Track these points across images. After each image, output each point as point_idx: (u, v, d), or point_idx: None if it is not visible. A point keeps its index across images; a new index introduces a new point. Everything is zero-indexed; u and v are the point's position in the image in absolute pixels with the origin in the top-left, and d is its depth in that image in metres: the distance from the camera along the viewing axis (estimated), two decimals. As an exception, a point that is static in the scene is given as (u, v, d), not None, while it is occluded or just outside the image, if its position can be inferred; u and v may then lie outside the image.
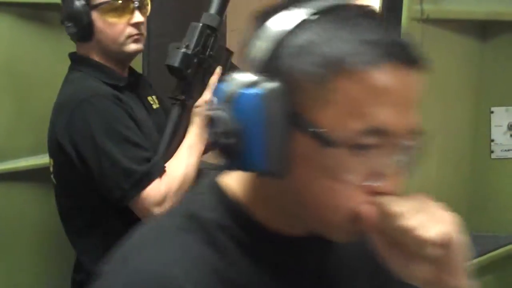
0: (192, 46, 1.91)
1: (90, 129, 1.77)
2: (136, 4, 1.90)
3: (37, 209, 2.39)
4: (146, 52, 2.92)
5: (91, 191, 1.83)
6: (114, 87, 1.90)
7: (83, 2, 1.86)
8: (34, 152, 2.35)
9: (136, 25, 1.90)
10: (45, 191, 2.27)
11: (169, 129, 1.91)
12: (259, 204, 0.83)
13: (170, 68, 1.91)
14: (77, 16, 1.86)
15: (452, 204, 2.31)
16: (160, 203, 1.77)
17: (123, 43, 1.90)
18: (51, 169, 1.95)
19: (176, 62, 1.89)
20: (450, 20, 2.08)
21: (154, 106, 2.03)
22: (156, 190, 1.77)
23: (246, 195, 0.83)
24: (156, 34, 2.97)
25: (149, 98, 2.04)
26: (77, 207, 1.91)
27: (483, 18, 2.20)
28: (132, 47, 1.91)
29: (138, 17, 1.90)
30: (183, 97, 1.92)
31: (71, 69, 1.99)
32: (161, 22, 3.01)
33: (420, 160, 2.13)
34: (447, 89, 2.17)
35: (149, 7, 1.96)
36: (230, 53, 1.99)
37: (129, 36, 1.90)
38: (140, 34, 1.91)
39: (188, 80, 1.91)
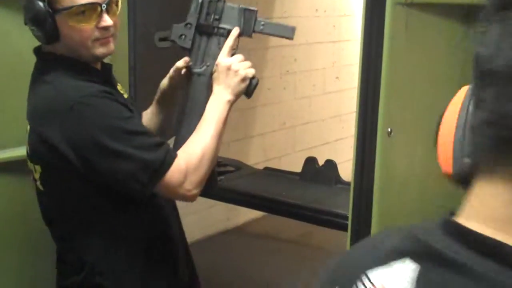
0: (188, 16, 1.92)
1: (91, 133, 1.71)
2: (104, 7, 1.79)
3: (24, 199, 2.38)
4: (132, 42, 2.92)
5: (93, 192, 1.80)
6: (94, 82, 1.83)
7: (46, 7, 1.75)
8: (20, 143, 2.34)
9: (104, 28, 1.81)
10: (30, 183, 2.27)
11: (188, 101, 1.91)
12: None
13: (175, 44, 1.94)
14: (40, 20, 1.76)
15: (441, 185, 2.33)
16: (182, 181, 1.75)
17: (91, 47, 1.81)
18: (37, 176, 1.87)
19: (170, 36, 1.91)
20: (434, 4, 2.08)
21: (125, 96, 2.01)
22: (176, 170, 1.74)
23: None
24: (141, 23, 2.97)
25: (119, 87, 2.01)
26: (72, 209, 1.86)
27: (467, 2, 2.21)
28: (101, 50, 1.83)
29: (106, 20, 1.80)
30: (180, 65, 1.93)
31: (42, 67, 1.88)
32: (146, 12, 3.00)
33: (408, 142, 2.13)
34: (433, 73, 2.17)
35: (119, 5, 1.86)
36: (252, 12, 1.99)
37: (96, 40, 1.81)
38: (108, 36, 1.82)
39: (189, 50, 1.92)
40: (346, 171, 3.17)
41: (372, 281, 0.69)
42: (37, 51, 1.90)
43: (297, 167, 3.51)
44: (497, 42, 0.65)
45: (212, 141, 1.81)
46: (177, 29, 1.92)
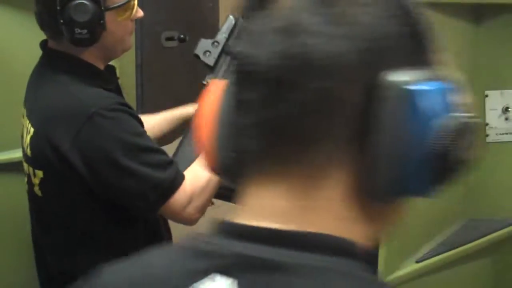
0: (218, 34, 1.89)
1: (106, 146, 1.66)
2: None
3: (24, 201, 2.37)
4: (139, 41, 2.92)
5: (94, 204, 1.76)
6: (109, 90, 1.79)
7: (100, 7, 1.68)
8: (18, 145, 2.33)
9: (134, 20, 1.82)
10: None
11: None
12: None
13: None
14: (93, 22, 1.68)
15: (448, 188, 2.31)
16: (186, 205, 1.72)
17: (127, 41, 1.81)
18: (36, 181, 1.79)
19: (195, 49, 1.89)
20: (443, 4, 2.07)
21: None
22: (182, 193, 1.71)
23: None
24: (148, 23, 2.96)
25: None
26: (70, 218, 1.80)
27: (476, 1, 2.20)
28: (130, 42, 1.84)
29: (140, 11, 1.80)
30: (205, 82, 1.89)
31: (51, 65, 1.80)
32: (153, 11, 3.00)
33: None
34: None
35: None
36: None
37: (131, 32, 1.82)
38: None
39: (211, 68, 1.88)
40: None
41: None
42: (43, 45, 1.82)
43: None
44: (256, 40, 0.64)
45: None
46: (204, 44, 1.88)
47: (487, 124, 2.34)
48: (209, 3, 3.39)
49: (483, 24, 2.25)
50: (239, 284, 0.63)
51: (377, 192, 0.65)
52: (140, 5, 2.92)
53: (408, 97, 0.62)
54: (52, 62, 1.80)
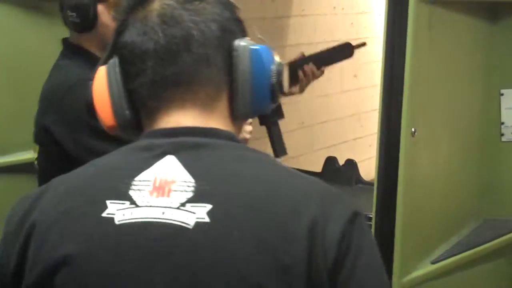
0: None
1: (83, 115, 1.73)
2: None
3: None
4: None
5: None
6: None
7: None
8: (24, 147, 2.34)
9: None
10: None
11: None
12: None
13: None
14: (82, 7, 1.85)
15: (463, 188, 2.30)
16: None
17: None
18: (35, 155, 1.96)
19: None
20: (458, 2, 2.05)
21: None
22: None
23: None
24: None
25: None
26: None
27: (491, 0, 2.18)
28: None
29: None
30: None
31: (61, 54, 1.98)
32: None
33: (432, 142, 2.09)
34: (456, 72, 2.14)
35: None
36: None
37: None
38: None
39: None
40: (365, 169, 3.14)
41: (146, 179, 0.96)
42: (65, 41, 1.98)
43: (316, 166, 3.46)
44: (143, 30, 1.01)
45: None
46: None
47: (502, 123, 2.32)
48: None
49: (498, 22, 2.23)
50: (178, 158, 0.97)
51: (242, 111, 1.05)
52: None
53: (252, 52, 1.04)
54: (62, 51, 1.98)
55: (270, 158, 1.05)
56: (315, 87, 5.16)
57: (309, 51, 5.17)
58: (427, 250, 2.09)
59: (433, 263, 2.07)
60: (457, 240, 2.20)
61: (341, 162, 3.15)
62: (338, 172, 3.04)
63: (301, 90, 2.31)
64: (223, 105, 1.04)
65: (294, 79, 2.26)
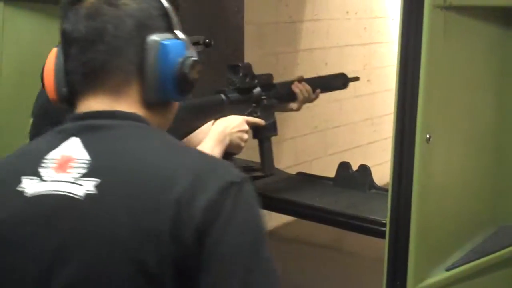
0: None
1: None
2: None
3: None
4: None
5: None
6: None
7: None
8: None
9: None
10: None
11: None
12: None
13: None
14: None
15: (478, 195, 2.28)
16: None
17: None
18: (29, 128, 1.98)
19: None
20: (472, 7, 2.04)
21: None
22: None
23: None
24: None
25: None
26: None
27: (506, 5, 2.16)
28: None
29: None
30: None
31: None
32: (179, 16, 2.99)
33: (447, 148, 2.07)
34: (471, 77, 2.13)
35: None
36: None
37: None
38: None
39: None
40: (378, 174, 3.12)
41: (53, 158, 1.13)
42: None
43: (329, 171, 3.46)
44: (74, 21, 1.16)
45: None
46: None
47: (517, 129, 2.30)
48: (234, 7, 3.38)
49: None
50: (80, 138, 1.13)
51: (151, 98, 1.19)
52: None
53: (160, 46, 1.16)
54: None
55: (168, 137, 1.18)
56: (329, 92, 5.15)
57: (322, 55, 5.19)
58: (441, 256, 2.08)
59: (447, 270, 2.06)
60: (472, 247, 2.18)
61: (354, 167, 3.14)
62: (352, 178, 3.02)
63: (298, 107, 2.51)
64: (133, 91, 1.18)
65: (292, 96, 2.45)
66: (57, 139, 1.15)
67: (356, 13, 5.18)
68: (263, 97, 2.32)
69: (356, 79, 2.82)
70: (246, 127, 2.12)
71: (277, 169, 3.46)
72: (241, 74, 2.24)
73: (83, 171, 1.10)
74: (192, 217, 1.04)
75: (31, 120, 1.98)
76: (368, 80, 5.39)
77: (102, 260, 1.07)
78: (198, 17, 3.17)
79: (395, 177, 1.94)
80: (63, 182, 1.10)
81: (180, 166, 1.10)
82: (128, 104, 1.17)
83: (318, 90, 2.53)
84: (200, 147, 1.96)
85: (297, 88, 2.47)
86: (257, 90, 2.31)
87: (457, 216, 2.14)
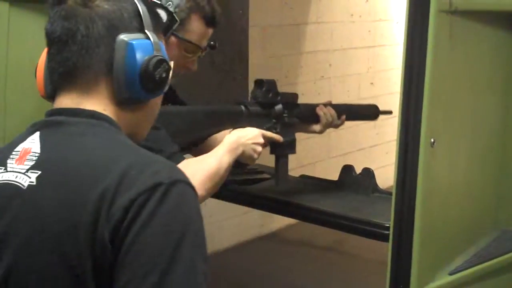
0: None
1: None
2: None
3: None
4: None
5: None
6: None
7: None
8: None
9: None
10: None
11: None
12: None
13: None
14: None
15: (481, 199, 2.28)
16: None
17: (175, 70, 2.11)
18: None
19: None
20: (479, 12, 2.04)
21: None
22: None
23: None
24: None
25: None
26: None
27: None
28: (177, 71, 2.03)
29: (194, 66, 2.17)
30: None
31: None
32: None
33: (451, 152, 2.06)
34: (476, 82, 2.13)
35: None
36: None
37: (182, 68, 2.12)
38: None
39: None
40: (381, 177, 3.12)
41: (18, 150, 1.21)
42: None
43: (332, 173, 3.45)
44: (53, 22, 1.22)
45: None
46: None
47: (522, 134, 2.30)
48: (239, 10, 3.39)
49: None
50: (40, 133, 1.21)
51: (119, 96, 1.24)
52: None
53: (126, 45, 1.22)
54: None
55: (120, 137, 1.23)
56: (332, 95, 5.18)
57: (326, 57, 5.19)
58: (444, 261, 2.08)
59: (451, 274, 2.06)
60: (475, 251, 2.19)
61: (357, 169, 3.14)
62: (355, 181, 3.02)
63: (321, 131, 2.53)
64: (103, 89, 1.23)
65: (316, 118, 2.46)
66: (28, 133, 1.23)
67: (360, 16, 5.18)
68: (284, 115, 2.33)
69: (389, 112, 2.75)
70: (262, 140, 2.12)
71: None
72: (264, 89, 2.25)
73: (32, 163, 1.18)
74: (112, 215, 1.09)
75: None
76: (371, 83, 5.40)
77: (32, 249, 1.13)
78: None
79: (399, 181, 1.94)
80: (17, 173, 1.19)
81: (113, 163, 1.14)
82: (97, 101, 1.23)
83: (344, 117, 2.52)
84: (210, 153, 1.97)
85: (321, 111, 2.46)
86: (279, 107, 2.32)
87: (460, 220, 2.14)
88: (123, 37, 1.22)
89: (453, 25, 1.93)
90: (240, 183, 3.05)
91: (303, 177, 3.33)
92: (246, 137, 2.07)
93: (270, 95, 2.28)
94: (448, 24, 1.91)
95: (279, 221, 4.69)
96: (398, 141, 1.93)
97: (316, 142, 4.96)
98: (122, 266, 1.08)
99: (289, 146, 2.37)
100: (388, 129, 5.41)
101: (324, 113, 2.46)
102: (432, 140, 1.90)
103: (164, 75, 1.26)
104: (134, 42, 1.22)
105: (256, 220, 4.60)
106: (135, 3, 1.26)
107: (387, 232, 2.31)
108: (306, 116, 2.46)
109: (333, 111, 2.48)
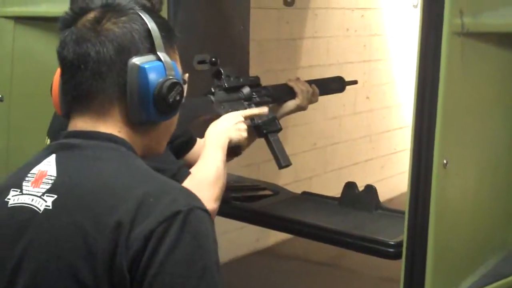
0: None
1: None
2: None
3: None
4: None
5: None
6: None
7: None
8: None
9: None
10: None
11: None
12: None
13: None
14: None
15: (491, 219, 2.28)
16: None
17: None
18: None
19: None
20: (490, 34, 2.05)
21: None
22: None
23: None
24: (181, 46, 2.95)
25: None
26: None
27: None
28: None
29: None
30: None
31: None
32: (186, 34, 2.99)
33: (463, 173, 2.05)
34: (486, 102, 2.14)
35: None
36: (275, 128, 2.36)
37: None
38: None
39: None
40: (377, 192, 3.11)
41: (34, 172, 1.21)
42: None
43: (328, 188, 3.46)
44: (64, 46, 1.23)
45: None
46: None
47: (529, 153, 2.31)
48: (240, 26, 3.38)
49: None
50: (56, 156, 1.22)
51: (134, 119, 1.24)
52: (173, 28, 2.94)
53: (139, 69, 1.21)
54: None
55: (136, 162, 1.23)
56: (328, 109, 5.18)
57: (321, 72, 5.19)
58: (456, 280, 2.08)
59: (462, 293, 2.07)
60: (484, 271, 2.19)
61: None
62: (358, 198, 3.03)
63: (301, 103, 2.46)
64: (116, 113, 1.24)
65: (290, 92, 2.44)
66: (43, 155, 1.24)
67: (355, 31, 5.19)
68: (253, 96, 2.29)
69: (354, 82, 2.85)
70: (241, 119, 2.05)
71: (282, 188, 3.47)
72: (223, 76, 2.22)
73: (48, 186, 1.19)
74: (131, 245, 1.09)
75: (48, 140, 1.97)
76: (367, 97, 5.41)
77: (48, 275, 1.14)
78: (204, 36, 3.17)
79: (412, 200, 1.95)
80: (33, 196, 1.19)
81: (129, 190, 1.14)
82: (111, 124, 1.24)
83: (316, 90, 2.50)
84: (203, 159, 1.90)
85: (291, 82, 2.44)
86: (246, 89, 2.28)
87: (471, 240, 2.15)
88: (134, 60, 1.22)
89: (464, 46, 1.94)
90: (243, 200, 3.05)
91: (305, 194, 3.33)
92: (224, 123, 2.00)
93: (232, 79, 2.24)
94: (460, 46, 1.92)
95: (275, 236, 4.68)
96: (411, 162, 1.94)
97: (312, 156, 4.96)
98: None
99: (273, 123, 2.31)
100: (383, 143, 5.42)
101: (296, 84, 2.44)
102: (445, 161, 1.91)
103: (178, 97, 1.26)
104: (146, 66, 1.22)
105: (251, 235, 4.58)
106: (145, 23, 1.24)
107: (390, 249, 2.31)
108: (279, 94, 2.42)
109: (303, 81, 2.47)
